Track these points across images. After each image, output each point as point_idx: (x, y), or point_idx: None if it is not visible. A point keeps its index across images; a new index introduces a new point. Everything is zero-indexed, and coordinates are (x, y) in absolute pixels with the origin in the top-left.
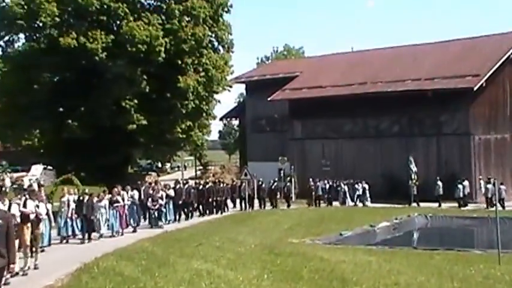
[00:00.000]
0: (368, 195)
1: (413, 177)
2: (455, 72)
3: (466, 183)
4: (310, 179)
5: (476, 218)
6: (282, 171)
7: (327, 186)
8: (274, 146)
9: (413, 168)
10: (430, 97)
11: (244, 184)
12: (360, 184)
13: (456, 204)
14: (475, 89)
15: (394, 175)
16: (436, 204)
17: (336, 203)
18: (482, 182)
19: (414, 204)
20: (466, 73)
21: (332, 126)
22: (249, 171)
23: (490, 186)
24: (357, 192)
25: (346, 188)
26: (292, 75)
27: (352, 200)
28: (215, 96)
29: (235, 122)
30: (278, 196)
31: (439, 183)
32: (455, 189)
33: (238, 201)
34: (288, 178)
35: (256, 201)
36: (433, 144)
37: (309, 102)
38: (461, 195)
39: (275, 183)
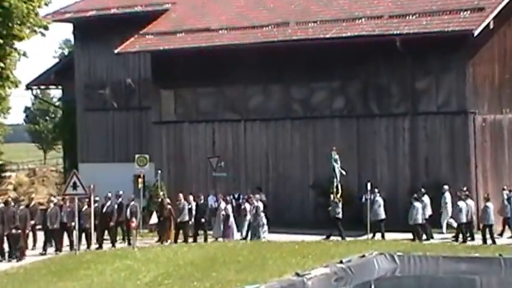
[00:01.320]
0: (265, 221)
1: (335, 188)
2: (443, 5)
3: (425, 199)
4: (162, 193)
5: (479, 259)
6: (140, 180)
7: (193, 205)
8: (126, 134)
9: (337, 172)
10: (399, 49)
11: (68, 205)
12: (251, 201)
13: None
14: (477, 33)
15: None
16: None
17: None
18: (447, 195)
19: (374, 236)
20: (460, 6)
21: (229, 99)
22: (81, 180)
23: (462, 204)
24: (248, 217)
25: (229, 208)
26: (158, 9)
27: (239, 230)
28: (17, 45)
29: (56, 93)
30: (133, 224)
31: (378, 199)
32: (410, 211)
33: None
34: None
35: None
36: (405, 131)
37: (188, 57)
38: (419, 219)
39: (109, 203)
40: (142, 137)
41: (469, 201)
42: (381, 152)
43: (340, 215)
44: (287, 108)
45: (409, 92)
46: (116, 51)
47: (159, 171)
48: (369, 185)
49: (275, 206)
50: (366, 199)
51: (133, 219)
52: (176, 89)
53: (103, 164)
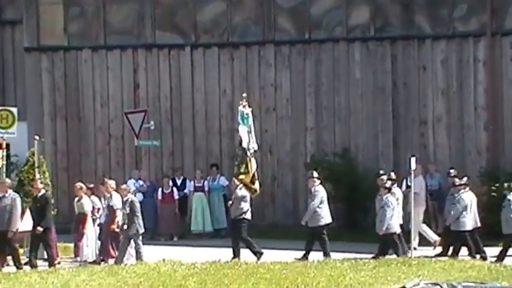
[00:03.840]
0: (141, 227)
1: (242, 165)
2: None
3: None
4: (40, 176)
5: None
6: (2, 153)
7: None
8: None
9: (247, 137)
10: None
11: None
12: (113, 190)
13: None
14: None
15: (352, 157)
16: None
17: None
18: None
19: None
20: None
21: (164, 7)
22: None
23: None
24: (97, 221)
25: (89, 204)
26: None
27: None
28: None
29: None
30: None
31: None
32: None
33: None
34: None
35: None
36: (478, 65)
37: None
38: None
39: None
40: (5, 76)
41: None
42: (436, 104)
43: (247, 214)
44: (267, 25)
45: None
46: None
47: (37, 138)
48: (412, 161)
49: None
50: (409, 186)
51: None
52: None
53: None
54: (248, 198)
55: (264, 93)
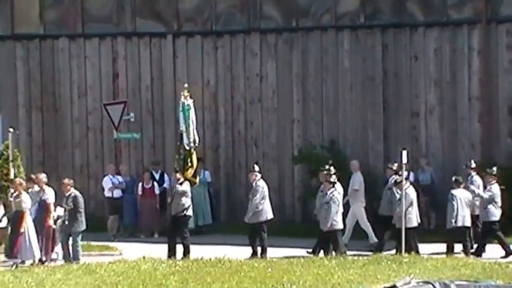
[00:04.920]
0: (83, 224)
1: (183, 159)
2: None
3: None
4: (14, 170)
5: None
6: None
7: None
8: None
9: (188, 131)
10: None
11: None
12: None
13: None
14: None
15: (341, 151)
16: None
17: None
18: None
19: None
20: None
21: None
22: None
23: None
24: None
25: (25, 199)
26: None
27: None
28: None
29: None
30: None
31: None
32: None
33: None
34: None
35: None
36: (473, 54)
37: None
38: (461, 220)
39: None
40: None
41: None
42: (429, 95)
43: (189, 210)
44: (252, 13)
45: None
46: None
47: (12, 131)
48: (404, 154)
49: (229, 194)
50: (397, 183)
51: None
52: None
53: None
54: (189, 194)
55: (249, 83)
